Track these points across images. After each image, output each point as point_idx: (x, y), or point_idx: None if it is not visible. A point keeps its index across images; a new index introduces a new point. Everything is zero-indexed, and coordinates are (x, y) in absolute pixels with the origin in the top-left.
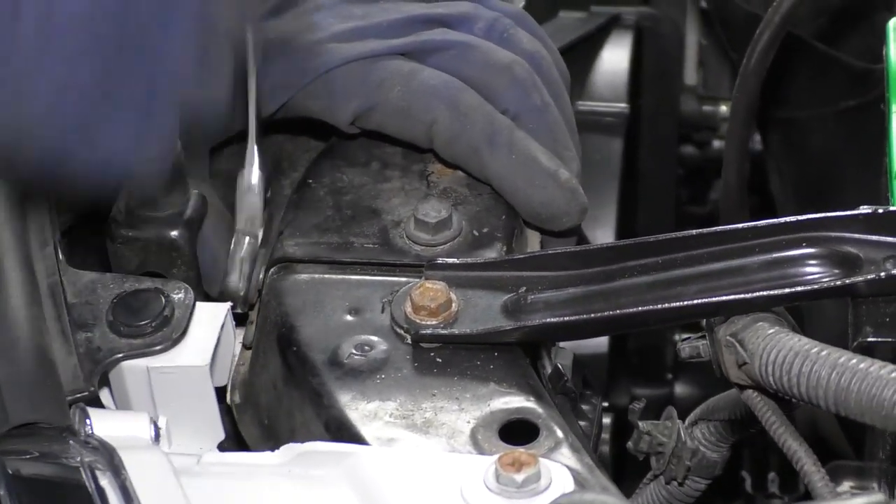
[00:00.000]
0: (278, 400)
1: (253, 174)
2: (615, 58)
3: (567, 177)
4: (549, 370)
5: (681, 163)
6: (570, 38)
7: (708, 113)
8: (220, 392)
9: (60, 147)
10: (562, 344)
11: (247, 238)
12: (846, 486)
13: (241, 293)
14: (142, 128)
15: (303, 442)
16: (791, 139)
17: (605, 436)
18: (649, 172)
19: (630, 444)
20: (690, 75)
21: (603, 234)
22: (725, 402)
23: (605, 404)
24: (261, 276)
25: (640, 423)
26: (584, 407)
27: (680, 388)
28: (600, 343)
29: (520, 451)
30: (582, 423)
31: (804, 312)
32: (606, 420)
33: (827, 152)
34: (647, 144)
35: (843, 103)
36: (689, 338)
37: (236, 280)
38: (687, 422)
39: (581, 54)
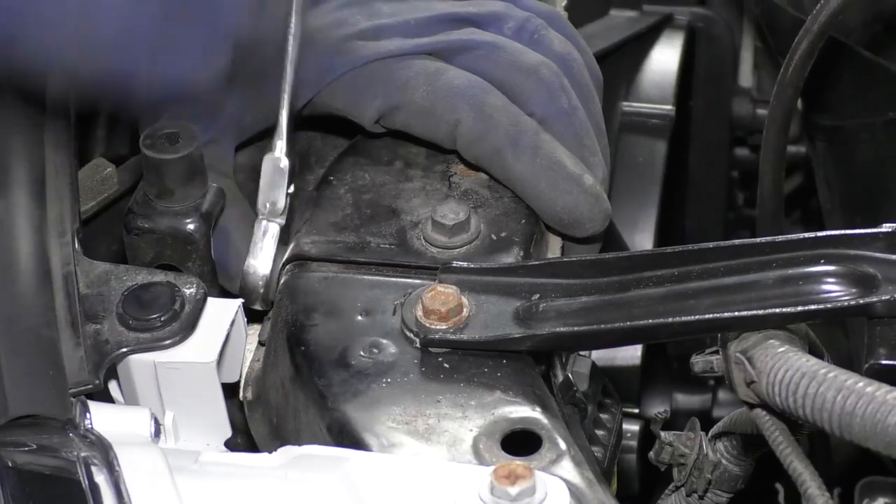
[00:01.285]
0: (286, 399)
1: (281, 158)
2: (665, 59)
3: (591, 182)
4: (560, 379)
5: (736, 166)
6: (619, 37)
7: (762, 116)
8: (233, 388)
9: (127, 65)
10: (594, 352)
11: (267, 223)
12: (881, 501)
13: (262, 284)
14: (200, 54)
15: (307, 443)
16: (838, 148)
17: (633, 443)
18: (699, 176)
19: (652, 454)
20: (745, 78)
21: (642, 238)
22: (747, 417)
23: (637, 412)
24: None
25: (663, 434)
26: (603, 416)
27: (723, 395)
28: (635, 349)
29: (516, 464)
30: (600, 432)
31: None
32: (635, 428)
33: (874, 162)
34: (697, 147)
35: (892, 113)
36: (703, 351)
37: (255, 267)
38: (710, 434)
39: (630, 54)
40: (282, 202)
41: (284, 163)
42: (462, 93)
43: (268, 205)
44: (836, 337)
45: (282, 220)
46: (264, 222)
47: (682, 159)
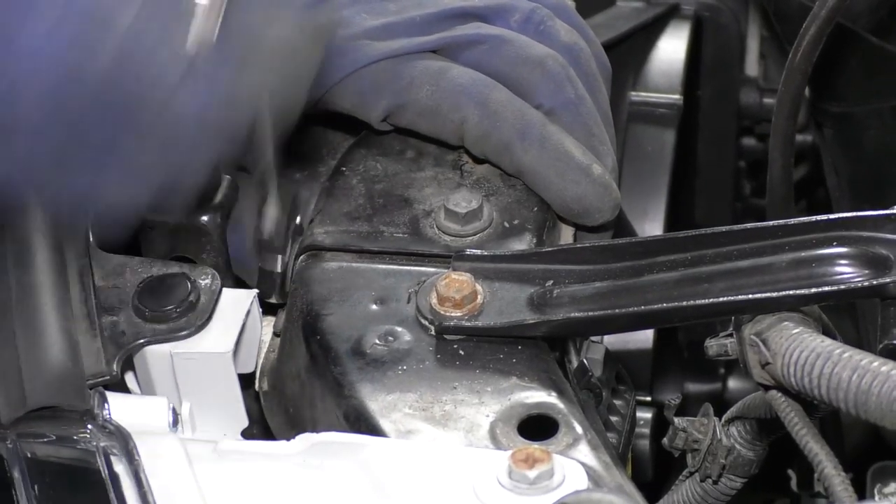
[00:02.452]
0: (301, 388)
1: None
2: (672, 48)
3: (600, 172)
4: (574, 365)
5: (743, 155)
6: (626, 27)
7: (769, 105)
8: (249, 378)
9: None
10: (605, 338)
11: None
12: (893, 487)
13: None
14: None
15: (323, 431)
16: (846, 134)
17: (646, 430)
18: (707, 165)
19: (665, 440)
20: (752, 67)
21: (651, 226)
22: (760, 400)
23: (649, 399)
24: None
25: (676, 420)
26: (617, 402)
27: (733, 383)
28: (646, 336)
29: (534, 448)
30: (614, 418)
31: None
32: (647, 415)
33: (882, 148)
34: (704, 137)
35: None
36: (717, 335)
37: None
38: (723, 419)
39: (637, 44)
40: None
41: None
42: (466, 90)
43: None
44: (845, 324)
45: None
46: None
47: (690, 149)
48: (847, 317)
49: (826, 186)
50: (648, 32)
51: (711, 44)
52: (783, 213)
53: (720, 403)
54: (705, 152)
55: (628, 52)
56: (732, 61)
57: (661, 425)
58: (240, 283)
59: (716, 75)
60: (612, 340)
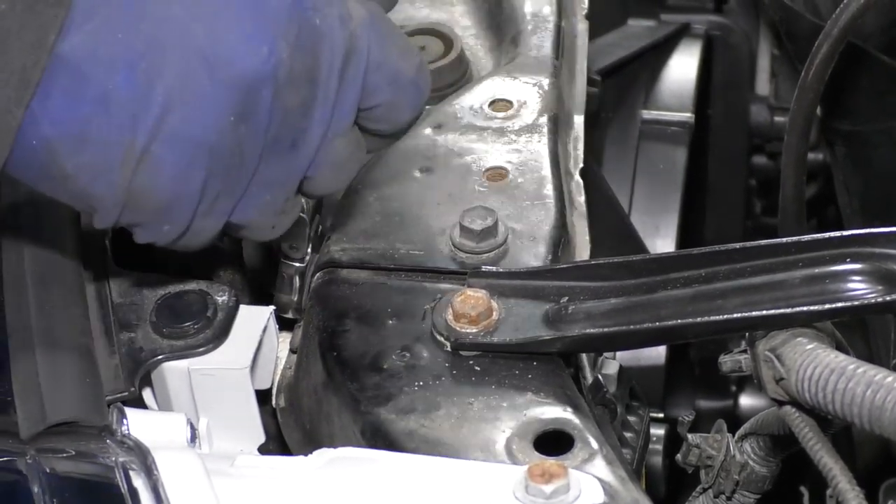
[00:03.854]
0: (318, 404)
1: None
2: (683, 67)
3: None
4: (589, 381)
5: (754, 173)
6: (638, 46)
7: (780, 124)
8: (265, 395)
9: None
10: (618, 355)
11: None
12: None
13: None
14: None
15: (340, 447)
16: (857, 153)
17: (659, 447)
18: (718, 183)
19: (679, 456)
20: (763, 86)
21: (664, 244)
22: (774, 417)
23: (661, 415)
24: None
25: (689, 436)
26: (631, 418)
27: (745, 400)
28: (658, 353)
29: (550, 462)
30: (628, 434)
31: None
32: (660, 431)
33: (893, 166)
34: (715, 155)
35: None
36: (730, 351)
37: (287, 296)
38: (737, 436)
39: (649, 63)
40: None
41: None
42: None
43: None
44: (855, 341)
45: (302, 264)
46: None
47: (701, 167)
48: (857, 333)
49: (837, 204)
50: (659, 52)
51: (722, 62)
52: (796, 231)
53: (732, 420)
54: (716, 171)
55: (640, 70)
56: (743, 80)
57: (673, 441)
58: (256, 298)
59: (726, 94)
60: (625, 357)
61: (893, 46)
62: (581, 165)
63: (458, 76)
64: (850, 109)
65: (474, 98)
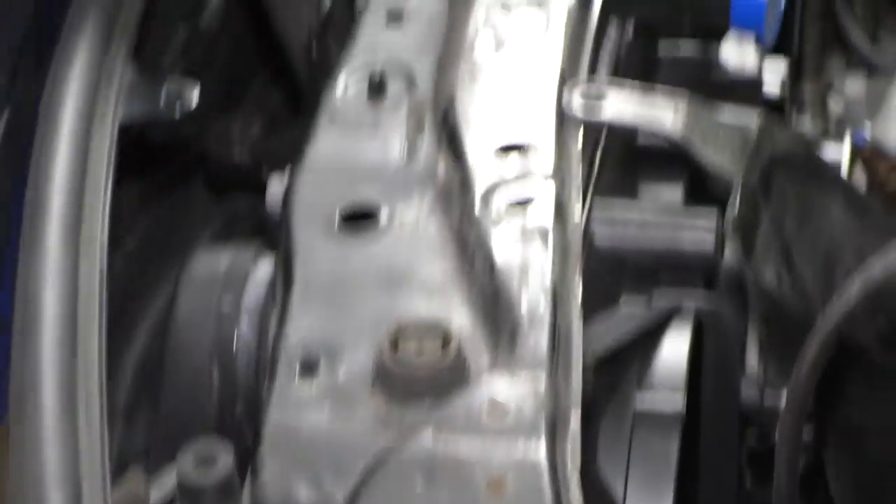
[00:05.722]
0: None
1: None
2: (674, 350)
3: None
4: None
5: (745, 450)
6: (630, 332)
7: (769, 408)
8: None
9: None
10: None
11: None
12: None
13: None
14: None
15: None
16: (848, 445)
17: None
18: (709, 466)
19: None
20: (753, 365)
21: None
22: None
23: None
24: None
25: None
26: None
27: None
28: None
29: None
30: None
31: None
32: None
33: (887, 465)
34: (707, 437)
35: None
36: None
37: None
38: None
39: (640, 347)
40: None
41: None
42: None
43: None
44: None
45: None
46: None
47: (693, 450)
48: None
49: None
50: (652, 335)
51: (712, 346)
52: None
53: None
54: (707, 453)
55: (632, 354)
56: (733, 364)
57: None
58: None
59: (717, 376)
60: None
61: (886, 340)
62: (578, 463)
63: (456, 376)
64: (841, 400)
65: (473, 400)
